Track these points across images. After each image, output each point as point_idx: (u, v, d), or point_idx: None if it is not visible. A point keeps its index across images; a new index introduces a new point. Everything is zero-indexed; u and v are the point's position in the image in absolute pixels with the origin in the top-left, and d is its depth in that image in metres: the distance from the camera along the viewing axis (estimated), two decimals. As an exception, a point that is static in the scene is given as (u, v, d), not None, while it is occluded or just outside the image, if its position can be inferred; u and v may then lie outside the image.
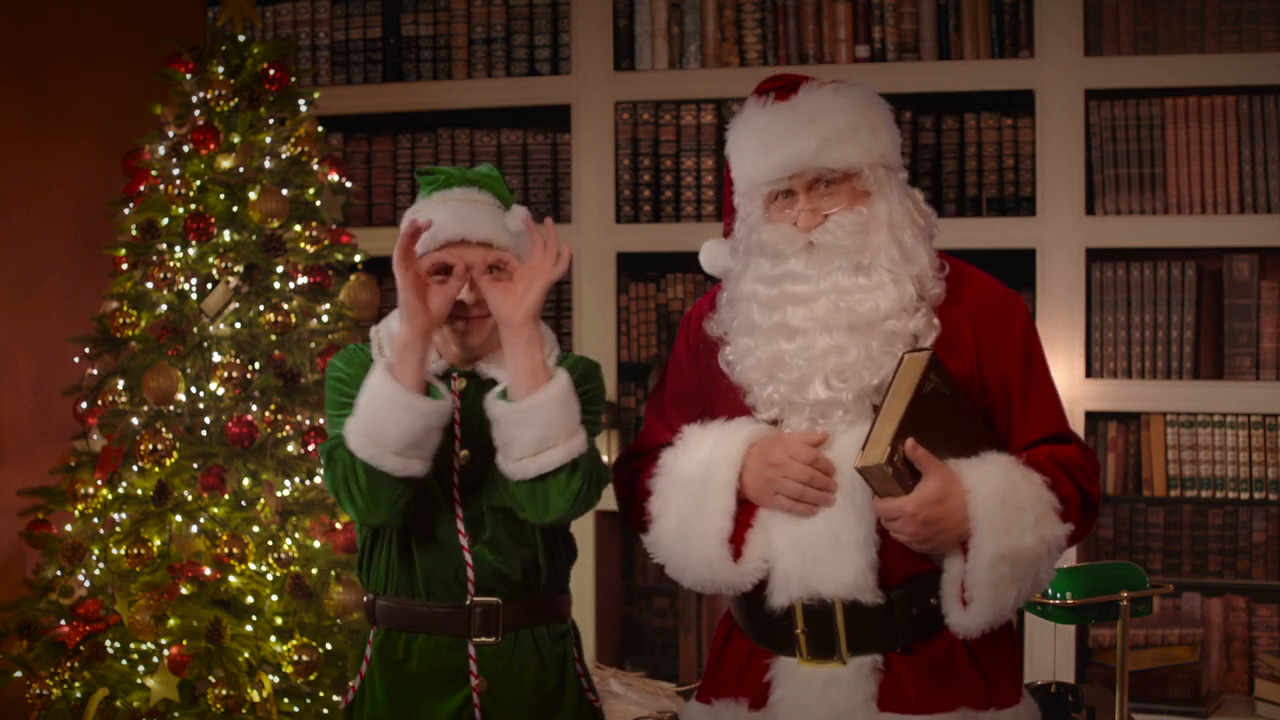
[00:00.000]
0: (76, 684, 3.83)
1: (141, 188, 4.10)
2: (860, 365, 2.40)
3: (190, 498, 3.85)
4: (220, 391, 3.90)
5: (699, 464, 2.47)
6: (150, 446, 3.80)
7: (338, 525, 3.92)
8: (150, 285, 3.97)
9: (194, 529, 3.82)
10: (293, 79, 4.15)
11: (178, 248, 3.99)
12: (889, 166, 2.47)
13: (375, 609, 2.66)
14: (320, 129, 4.22)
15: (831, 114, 2.45)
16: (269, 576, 3.83)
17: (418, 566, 2.60)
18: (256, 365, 3.94)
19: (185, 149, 4.03)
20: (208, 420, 3.91)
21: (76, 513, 3.95)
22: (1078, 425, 4.36)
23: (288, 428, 3.90)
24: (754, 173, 2.47)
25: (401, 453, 2.46)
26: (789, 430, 2.45)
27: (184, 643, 3.68)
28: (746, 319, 2.48)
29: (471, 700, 2.60)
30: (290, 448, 3.92)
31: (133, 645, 3.83)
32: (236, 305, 3.96)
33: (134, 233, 4.04)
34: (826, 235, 2.42)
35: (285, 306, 3.96)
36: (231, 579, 3.77)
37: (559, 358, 2.66)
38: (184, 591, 3.74)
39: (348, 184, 4.29)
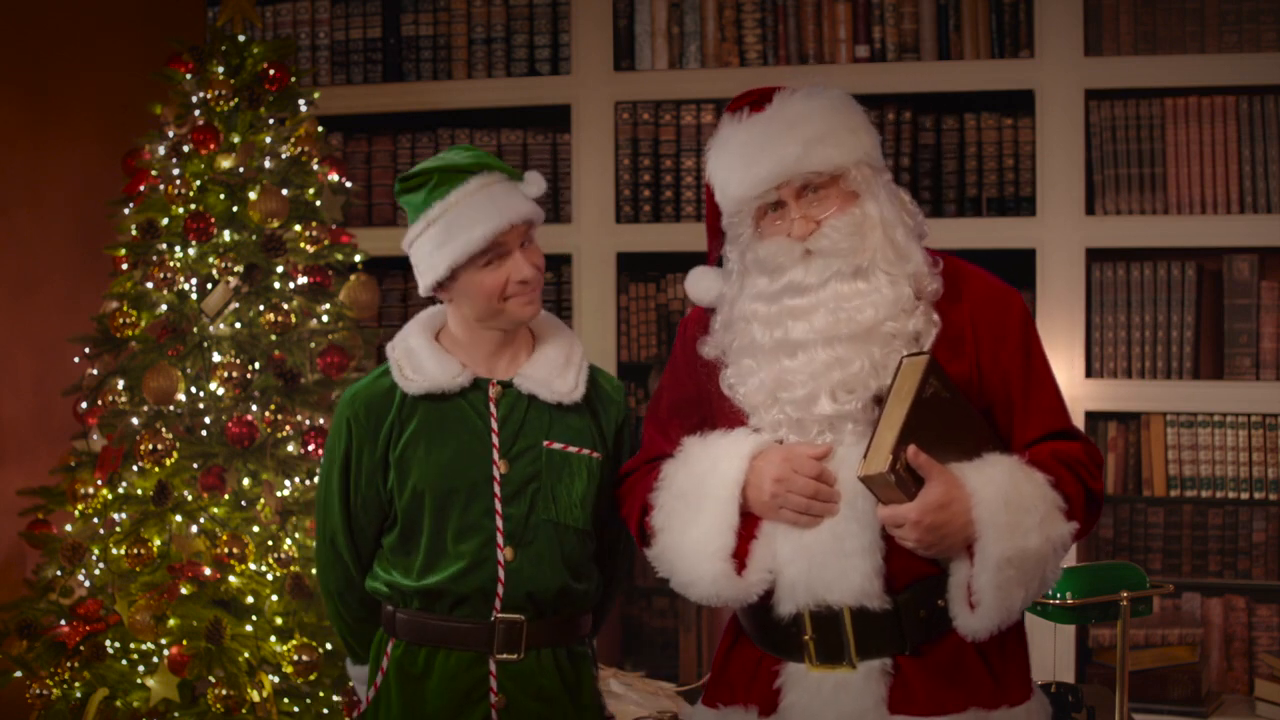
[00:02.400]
0: (76, 684, 3.82)
1: (141, 188, 4.09)
2: (865, 375, 2.39)
3: (190, 498, 3.85)
4: (220, 391, 3.90)
5: (700, 479, 2.46)
6: (150, 446, 3.79)
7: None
8: (150, 285, 3.97)
9: (194, 529, 3.81)
10: (293, 79, 4.15)
11: (178, 248, 3.98)
12: (873, 166, 2.46)
13: (395, 621, 2.64)
14: (320, 129, 4.22)
15: (809, 118, 2.43)
16: (269, 576, 3.82)
17: (443, 583, 2.59)
18: (256, 365, 3.93)
19: (185, 149, 4.02)
20: (208, 420, 3.91)
21: (76, 513, 3.94)
22: (1078, 425, 4.36)
23: (288, 428, 3.89)
24: (740, 189, 2.44)
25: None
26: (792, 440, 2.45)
27: (184, 643, 3.68)
28: (746, 339, 2.46)
29: (490, 717, 2.59)
30: (290, 448, 3.92)
31: (133, 645, 3.83)
32: (236, 305, 3.96)
33: (134, 233, 4.04)
34: (823, 240, 2.40)
35: (285, 306, 3.96)
36: (231, 579, 3.77)
37: (590, 370, 2.69)
38: (184, 591, 3.74)
39: (348, 184, 4.29)
